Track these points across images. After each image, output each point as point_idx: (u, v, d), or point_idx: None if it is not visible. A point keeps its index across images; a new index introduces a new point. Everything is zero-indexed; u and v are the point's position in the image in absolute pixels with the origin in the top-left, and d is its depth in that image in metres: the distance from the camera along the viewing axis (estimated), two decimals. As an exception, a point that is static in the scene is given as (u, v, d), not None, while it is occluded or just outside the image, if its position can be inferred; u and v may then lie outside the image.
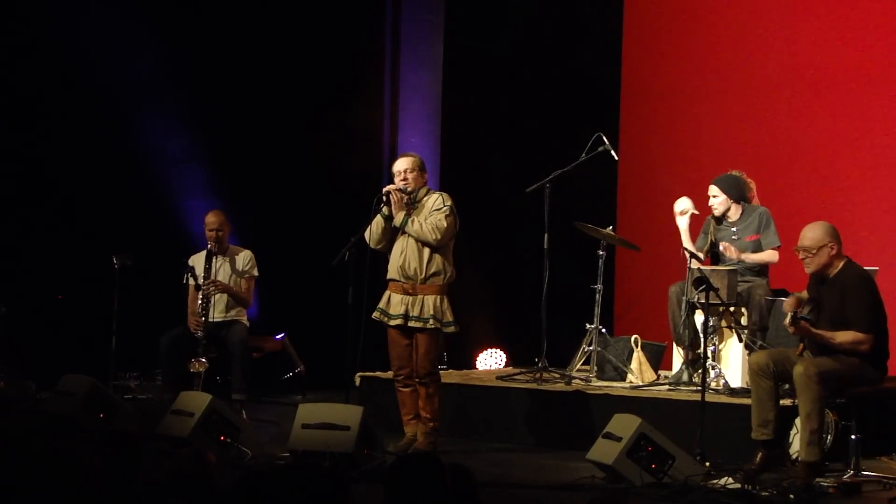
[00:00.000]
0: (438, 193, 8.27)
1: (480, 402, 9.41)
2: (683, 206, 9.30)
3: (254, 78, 11.55)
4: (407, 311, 8.17)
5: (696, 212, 9.32)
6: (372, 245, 8.27)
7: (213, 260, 9.78)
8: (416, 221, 8.14)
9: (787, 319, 7.34)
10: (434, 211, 8.16)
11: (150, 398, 10.20)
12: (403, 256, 8.19)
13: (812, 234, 7.54)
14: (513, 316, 11.32)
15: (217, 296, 9.74)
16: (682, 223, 9.28)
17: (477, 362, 11.12)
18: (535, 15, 11.80)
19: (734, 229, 9.19)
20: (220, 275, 9.79)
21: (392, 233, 8.25)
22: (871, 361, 7.45)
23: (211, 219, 9.86)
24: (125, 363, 9.68)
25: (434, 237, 8.10)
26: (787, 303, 7.52)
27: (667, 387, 9.04)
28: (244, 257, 9.93)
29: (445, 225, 8.11)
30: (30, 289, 10.73)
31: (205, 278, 9.67)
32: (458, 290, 8.43)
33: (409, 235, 8.17)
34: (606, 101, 11.69)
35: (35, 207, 10.84)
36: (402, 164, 8.32)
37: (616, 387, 9.21)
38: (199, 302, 9.65)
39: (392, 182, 8.35)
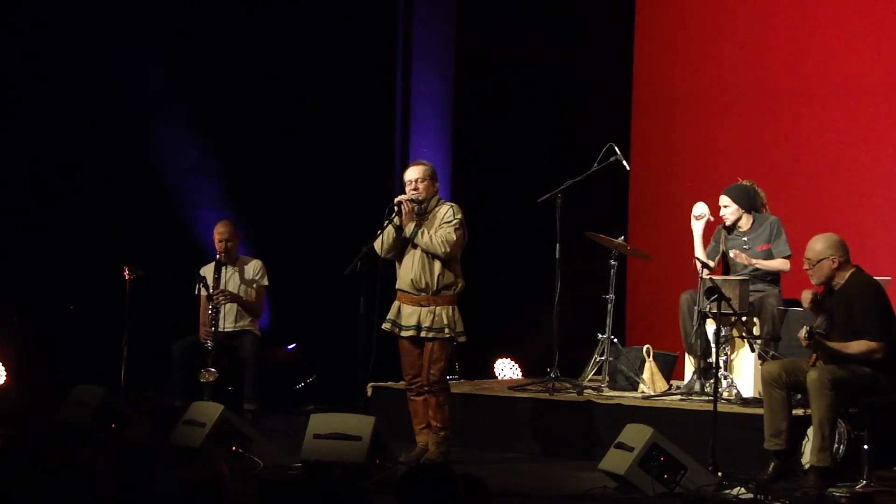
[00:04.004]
0: (449, 205, 8.26)
1: (492, 412, 9.40)
2: (700, 211, 9.29)
3: (265, 88, 11.56)
4: (419, 321, 8.18)
5: (712, 218, 9.31)
6: (381, 254, 8.27)
7: (223, 270, 9.80)
8: (426, 234, 8.14)
9: (803, 333, 7.32)
10: (444, 223, 8.15)
11: (162, 408, 10.21)
12: (414, 268, 8.18)
13: (814, 246, 7.55)
14: (524, 326, 11.31)
15: (227, 306, 9.75)
16: (697, 228, 9.28)
17: (495, 372, 11.13)
18: (545, 24, 11.80)
19: (745, 239, 9.19)
20: (229, 284, 9.80)
21: (402, 243, 8.25)
22: (884, 370, 7.44)
23: (220, 229, 9.88)
24: (137, 374, 9.67)
25: (443, 250, 8.10)
26: (804, 297, 7.54)
27: (679, 396, 9.03)
28: (254, 267, 9.95)
29: (455, 238, 8.10)
30: (42, 300, 10.75)
31: (214, 288, 9.69)
32: (470, 300, 8.43)
33: (419, 247, 8.17)
34: (618, 110, 11.67)
35: (47, 218, 10.87)
36: (413, 174, 8.30)
37: (628, 396, 9.20)
38: (209, 312, 9.66)
39: (404, 191, 8.35)
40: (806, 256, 7.57)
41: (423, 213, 8.26)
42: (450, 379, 8.81)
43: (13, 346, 10.53)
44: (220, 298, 9.68)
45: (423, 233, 8.14)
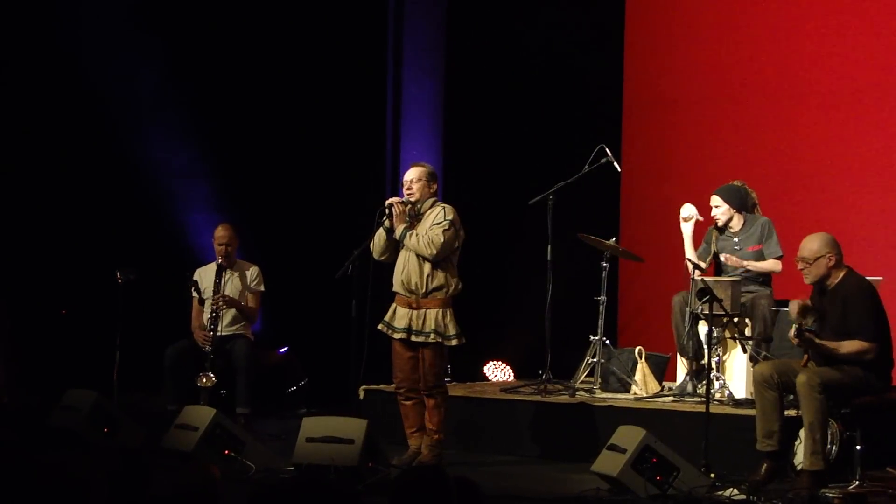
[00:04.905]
0: (442, 206, 8.24)
1: (485, 415, 9.40)
2: (688, 213, 9.30)
3: (257, 91, 11.56)
4: (410, 324, 8.17)
5: (701, 218, 9.31)
6: (375, 257, 8.27)
7: (223, 274, 9.79)
8: (414, 235, 8.12)
9: (792, 332, 7.33)
10: (434, 225, 8.14)
11: (154, 412, 10.20)
12: (405, 270, 8.18)
13: (810, 244, 7.55)
14: (516, 328, 11.31)
15: (224, 310, 9.75)
16: (687, 229, 9.28)
17: (486, 373, 11.11)
18: (537, 27, 11.80)
19: (736, 239, 9.19)
20: (228, 289, 9.80)
21: (395, 245, 8.25)
22: (875, 371, 7.46)
23: (221, 233, 9.87)
24: (129, 377, 9.67)
25: (429, 252, 8.08)
26: (792, 307, 7.53)
27: (671, 398, 9.04)
28: (252, 272, 9.95)
29: (442, 240, 8.07)
30: (34, 304, 10.73)
31: (214, 292, 9.69)
32: (461, 301, 8.43)
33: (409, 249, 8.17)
34: (609, 112, 11.68)
35: (38, 222, 10.85)
36: (409, 175, 8.30)
37: (620, 398, 9.20)
38: (208, 316, 9.65)
39: (395, 194, 8.35)
40: (801, 256, 7.56)
41: (417, 215, 8.25)
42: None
43: (5, 350, 10.50)
44: (221, 303, 9.68)
45: (411, 234, 8.14)
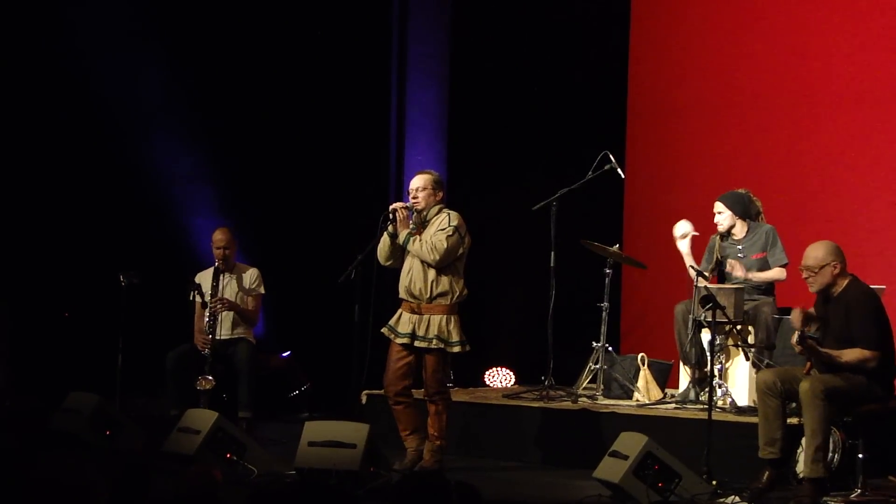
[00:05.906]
0: (447, 212, 8.23)
1: (487, 421, 9.40)
2: (684, 230, 9.24)
3: (260, 96, 11.57)
4: (414, 330, 8.16)
5: (697, 233, 9.28)
6: (382, 262, 8.28)
7: (220, 277, 9.80)
8: (418, 240, 8.12)
9: (795, 338, 7.32)
10: (438, 231, 8.14)
11: (156, 416, 10.20)
12: (410, 276, 8.18)
13: (815, 253, 7.53)
14: (519, 334, 11.30)
15: (223, 313, 9.75)
16: (684, 247, 9.23)
17: (486, 380, 11.10)
18: (541, 33, 11.81)
19: (740, 247, 9.17)
20: (226, 292, 9.80)
21: (400, 250, 8.25)
22: (878, 379, 7.44)
23: (218, 236, 9.88)
24: (131, 381, 9.67)
25: (432, 257, 8.07)
26: (794, 316, 7.52)
27: (673, 405, 9.03)
28: (251, 275, 9.95)
29: (445, 245, 8.06)
30: (36, 306, 10.74)
31: (212, 296, 9.69)
32: (464, 307, 8.42)
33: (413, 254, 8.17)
34: (613, 119, 11.69)
35: (41, 225, 10.86)
36: (414, 182, 8.30)
37: (622, 405, 9.20)
38: (206, 320, 9.65)
39: (400, 199, 8.35)
40: (805, 265, 7.54)
41: (423, 223, 8.25)
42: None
43: (7, 353, 10.51)
44: (219, 306, 9.68)
45: (414, 240, 8.14)
